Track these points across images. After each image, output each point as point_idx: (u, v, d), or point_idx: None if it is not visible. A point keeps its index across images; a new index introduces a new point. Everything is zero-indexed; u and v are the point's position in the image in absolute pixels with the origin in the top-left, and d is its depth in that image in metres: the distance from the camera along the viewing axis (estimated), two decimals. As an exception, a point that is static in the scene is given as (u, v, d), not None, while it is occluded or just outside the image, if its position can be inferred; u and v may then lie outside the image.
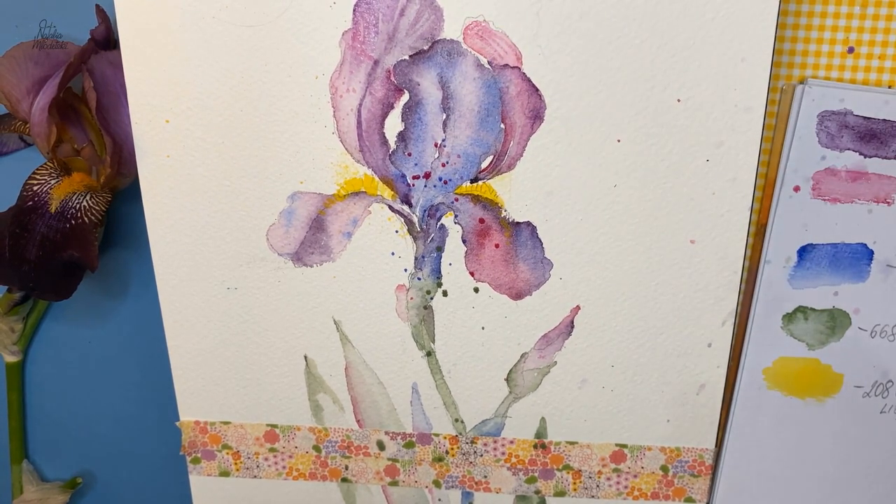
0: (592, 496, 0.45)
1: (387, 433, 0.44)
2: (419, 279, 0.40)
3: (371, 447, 0.45)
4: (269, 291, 0.41)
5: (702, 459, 0.44)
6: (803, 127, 0.38)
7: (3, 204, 0.41)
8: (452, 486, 0.46)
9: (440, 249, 0.40)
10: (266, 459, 0.46)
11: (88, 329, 0.47)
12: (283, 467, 0.46)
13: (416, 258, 0.40)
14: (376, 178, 0.38)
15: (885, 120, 0.38)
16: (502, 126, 0.37)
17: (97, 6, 0.39)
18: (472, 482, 0.45)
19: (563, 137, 0.37)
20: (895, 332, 0.41)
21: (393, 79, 0.36)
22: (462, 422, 0.44)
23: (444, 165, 0.38)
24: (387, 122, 0.37)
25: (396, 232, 0.39)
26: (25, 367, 0.48)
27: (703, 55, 0.36)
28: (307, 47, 0.36)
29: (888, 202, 0.39)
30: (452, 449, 0.44)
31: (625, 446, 0.44)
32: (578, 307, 0.40)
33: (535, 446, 0.44)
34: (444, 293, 0.40)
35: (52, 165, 0.41)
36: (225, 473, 0.46)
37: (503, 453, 0.44)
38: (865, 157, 0.38)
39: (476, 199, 0.38)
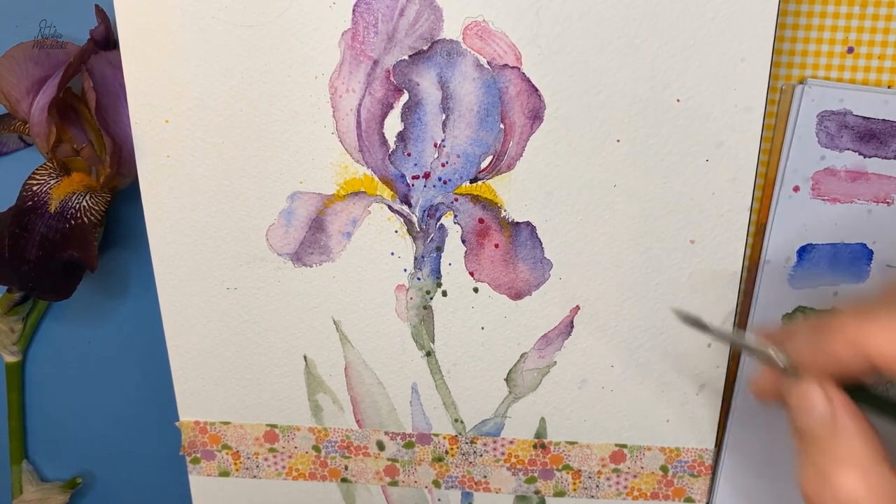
0: (592, 496, 0.45)
1: (386, 433, 0.44)
2: (419, 279, 0.40)
3: (371, 447, 0.45)
4: (269, 291, 0.41)
5: (701, 459, 0.44)
6: (803, 127, 0.38)
7: (3, 204, 0.41)
8: (452, 487, 0.46)
9: (440, 249, 0.40)
10: (266, 459, 0.46)
11: (88, 329, 0.47)
12: (283, 467, 0.46)
13: (415, 258, 0.40)
14: (376, 179, 0.38)
15: (884, 120, 0.38)
16: (502, 126, 0.37)
17: (97, 6, 0.39)
18: (472, 482, 0.45)
19: (562, 137, 0.37)
20: (895, 333, 0.41)
21: (392, 79, 0.36)
22: (462, 422, 0.44)
23: (443, 165, 0.38)
24: (386, 122, 0.37)
25: (396, 232, 0.39)
26: (25, 367, 0.48)
27: (702, 55, 0.36)
28: (307, 47, 0.36)
29: (888, 202, 0.39)
30: (452, 449, 0.44)
31: (624, 446, 0.44)
32: (578, 307, 0.40)
33: (535, 446, 0.44)
34: (444, 293, 0.40)
35: (51, 165, 0.41)
36: (225, 473, 0.46)
37: (503, 453, 0.44)
38: (865, 157, 0.38)
39: (476, 199, 0.38)
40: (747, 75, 0.36)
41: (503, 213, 0.39)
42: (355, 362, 0.43)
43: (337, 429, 0.44)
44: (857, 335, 0.26)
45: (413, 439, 0.44)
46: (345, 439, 0.45)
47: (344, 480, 0.46)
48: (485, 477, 0.45)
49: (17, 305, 0.45)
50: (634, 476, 0.44)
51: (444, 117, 0.37)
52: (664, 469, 0.44)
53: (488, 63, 0.36)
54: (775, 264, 0.40)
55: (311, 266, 0.40)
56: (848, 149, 0.38)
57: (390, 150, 0.38)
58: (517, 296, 0.40)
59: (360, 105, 0.37)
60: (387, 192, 0.39)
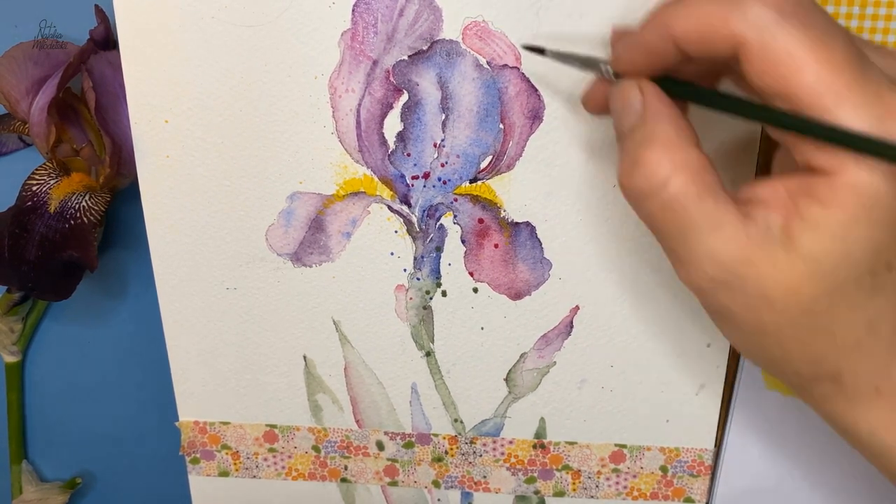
0: (592, 496, 0.45)
1: (386, 433, 0.44)
2: (418, 279, 0.40)
3: (370, 447, 0.45)
4: (269, 291, 0.41)
5: (701, 459, 0.44)
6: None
7: (3, 204, 0.41)
8: (452, 487, 0.46)
9: (439, 249, 0.40)
10: (265, 459, 0.46)
11: (88, 329, 0.47)
12: (283, 467, 0.46)
13: (415, 258, 0.40)
14: (375, 179, 0.38)
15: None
16: (501, 126, 0.37)
17: (96, 6, 0.39)
18: (472, 482, 0.45)
19: (562, 137, 0.37)
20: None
21: (392, 79, 0.36)
22: (461, 422, 0.44)
23: (443, 165, 0.38)
24: (386, 122, 0.37)
25: (396, 232, 0.39)
26: (25, 367, 0.48)
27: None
28: (307, 47, 0.36)
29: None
30: (452, 449, 0.44)
31: (624, 446, 0.44)
32: (578, 307, 0.40)
33: (535, 446, 0.44)
34: (444, 293, 0.40)
35: (51, 165, 0.41)
36: (224, 474, 0.46)
37: (502, 453, 0.44)
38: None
39: (475, 199, 0.38)
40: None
41: (503, 214, 0.39)
42: (355, 362, 0.43)
43: (337, 429, 0.44)
44: (663, 17, 0.27)
45: (413, 439, 0.44)
46: (344, 439, 0.45)
47: (344, 480, 0.46)
48: (484, 477, 0.45)
49: (17, 305, 0.45)
50: (634, 476, 0.44)
51: (443, 117, 0.37)
52: (664, 469, 0.44)
53: (488, 63, 0.36)
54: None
55: (310, 266, 0.40)
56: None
57: (390, 150, 0.38)
58: (517, 296, 0.40)
59: (359, 105, 0.37)
60: (386, 193, 0.39)
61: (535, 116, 0.37)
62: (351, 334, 0.42)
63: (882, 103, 0.24)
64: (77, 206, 0.40)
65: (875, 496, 0.44)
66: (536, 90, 0.36)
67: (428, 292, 0.41)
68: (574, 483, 0.45)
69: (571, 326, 0.41)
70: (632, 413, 0.43)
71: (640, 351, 0.41)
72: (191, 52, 0.37)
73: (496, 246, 0.39)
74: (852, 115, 0.24)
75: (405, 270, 0.40)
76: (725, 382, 0.42)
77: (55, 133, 0.39)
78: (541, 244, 0.39)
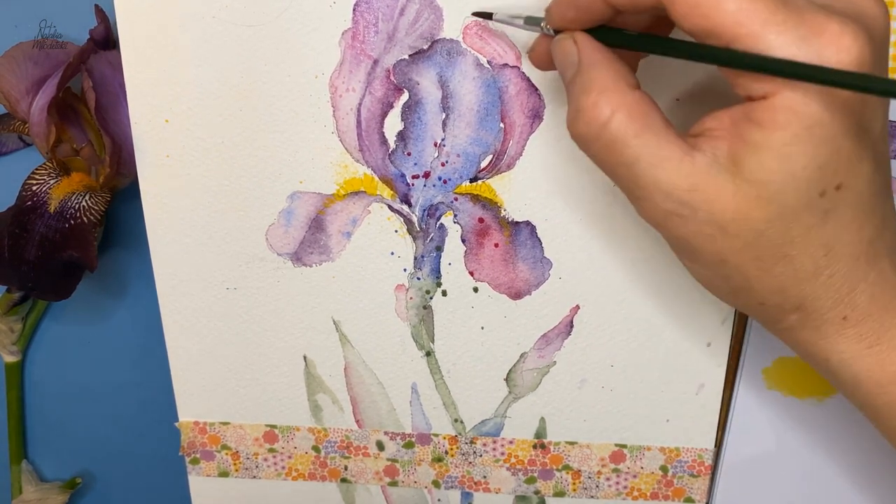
0: (592, 496, 0.45)
1: (386, 433, 0.44)
2: (418, 279, 0.40)
3: (370, 447, 0.45)
4: (269, 291, 0.41)
5: (701, 459, 0.44)
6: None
7: (3, 204, 0.41)
8: (452, 487, 0.46)
9: (439, 249, 0.40)
10: (265, 460, 0.46)
11: (88, 329, 0.47)
12: (283, 468, 0.46)
13: (415, 258, 0.40)
14: (376, 178, 0.38)
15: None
16: (502, 125, 0.37)
17: (96, 6, 0.39)
18: (472, 482, 0.45)
19: (562, 137, 0.37)
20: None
21: (392, 78, 0.36)
22: (461, 422, 0.44)
23: (443, 165, 0.38)
24: (386, 121, 0.37)
25: (396, 232, 0.39)
26: (25, 367, 0.48)
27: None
28: (307, 47, 0.36)
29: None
30: (452, 449, 0.44)
31: (624, 446, 0.44)
32: (578, 307, 0.40)
33: (535, 446, 0.44)
34: (444, 293, 0.40)
35: (51, 165, 0.41)
36: (224, 474, 0.46)
37: (502, 453, 0.44)
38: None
39: (475, 198, 0.38)
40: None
41: (503, 213, 0.39)
42: (355, 362, 0.43)
43: (336, 429, 0.44)
44: None
45: (413, 439, 0.44)
46: (344, 439, 0.45)
47: (344, 481, 0.46)
48: (484, 477, 0.45)
49: (17, 305, 0.45)
50: (634, 476, 0.44)
51: (444, 116, 0.37)
52: (664, 469, 0.44)
53: (488, 62, 0.36)
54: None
55: (310, 266, 0.40)
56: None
57: (390, 150, 0.38)
58: (517, 295, 0.40)
59: (360, 104, 0.37)
60: (387, 192, 0.39)
61: (536, 116, 0.37)
62: (351, 334, 0.42)
63: (804, 23, 0.24)
64: (77, 205, 0.40)
65: (874, 495, 0.44)
66: (537, 89, 0.36)
67: (428, 292, 0.41)
68: (574, 483, 0.45)
69: (571, 326, 0.41)
70: (632, 413, 0.43)
71: (640, 351, 0.41)
72: (191, 51, 0.37)
73: (496, 245, 0.39)
74: (777, 39, 0.24)
75: (405, 270, 0.40)
76: (725, 382, 0.42)
77: (55, 133, 0.39)
78: (541, 243, 0.39)
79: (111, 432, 0.49)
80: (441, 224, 0.39)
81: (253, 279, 0.41)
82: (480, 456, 0.44)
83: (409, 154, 0.38)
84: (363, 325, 0.42)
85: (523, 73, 0.36)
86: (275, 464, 0.46)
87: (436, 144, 0.37)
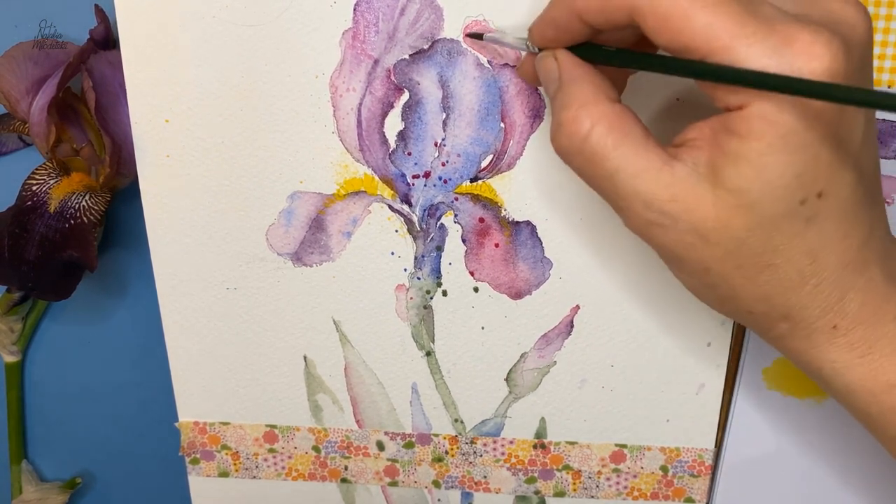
0: (592, 496, 0.45)
1: (386, 433, 0.44)
2: (419, 279, 0.40)
3: (371, 447, 0.45)
4: (269, 291, 0.41)
5: (701, 459, 0.44)
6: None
7: (3, 204, 0.41)
8: (452, 487, 0.46)
9: (440, 249, 0.40)
10: (265, 460, 0.46)
11: (88, 329, 0.47)
12: (283, 468, 0.46)
13: (415, 258, 0.40)
14: (376, 178, 0.38)
15: (884, 120, 0.38)
16: (502, 125, 0.37)
17: (96, 6, 0.39)
18: (472, 482, 0.45)
19: (562, 137, 0.37)
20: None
21: (393, 78, 0.36)
22: (462, 422, 0.44)
23: (443, 165, 0.38)
24: (387, 121, 0.37)
25: (396, 231, 0.39)
26: (25, 366, 0.48)
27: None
28: (307, 47, 0.36)
29: (888, 202, 0.39)
30: (452, 449, 0.44)
31: (624, 446, 0.44)
32: (578, 307, 0.40)
33: (535, 446, 0.44)
34: (444, 293, 0.40)
35: (51, 165, 0.41)
36: (224, 474, 0.46)
37: (503, 453, 0.44)
38: (865, 157, 0.38)
39: (476, 198, 0.38)
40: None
41: (503, 213, 0.39)
42: (355, 362, 0.43)
43: (337, 429, 0.44)
44: None
45: (413, 439, 0.44)
46: (344, 439, 0.45)
47: (344, 481, 0.46)
48: (485, 477, 0.45)
49: (17, 305, 0.45)
50: (634, 476, 0.44)
51: (444, 116, 0.37)
52: (664, 469, 0.44)
53: (489, 62, 0.36)
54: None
55: (311, 266, 0.40)
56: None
57: (391, 150, 0.38)
58: (517, 295, 0.40)
59: (360, 104, 0.37)
60: (387, 192, 0.39)
61: (536, 115, 0.37)
62: (351, 334, 0.42)
63: (775, 34, 0.24)
64: (77, 205, 0.40)
65: (874, 495, 0.44)
66: (537, 89, 0.36)
67: (428, 292, 0.41)
68: (574, 483, 0.45)
69: (572, 326, 0.41)
70: (632, 413, 0.43)
71: (640, 351, 0.41)
72: (191, 51, 0.37)
73: (497, 245, 0.39)
74: (749, 51, 0.24)
75: (406, 270, 0.40)
76: (725, 382, 0.42)
77: (55, 133, 0.39)
78: (541, 243, 0.39)
79: (111, 432, 0.49)
80: (441, 224, 0.39)
81: (253, 279, 0.41)
82: (481, 456, 0.44)
83: (409, 154, 0.38)
84: (363, 325, 0.42)
85: (524, 72, 0.36)
86: (275, 464, 0.46)
87: (436, 144, 0.37)
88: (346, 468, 0.45)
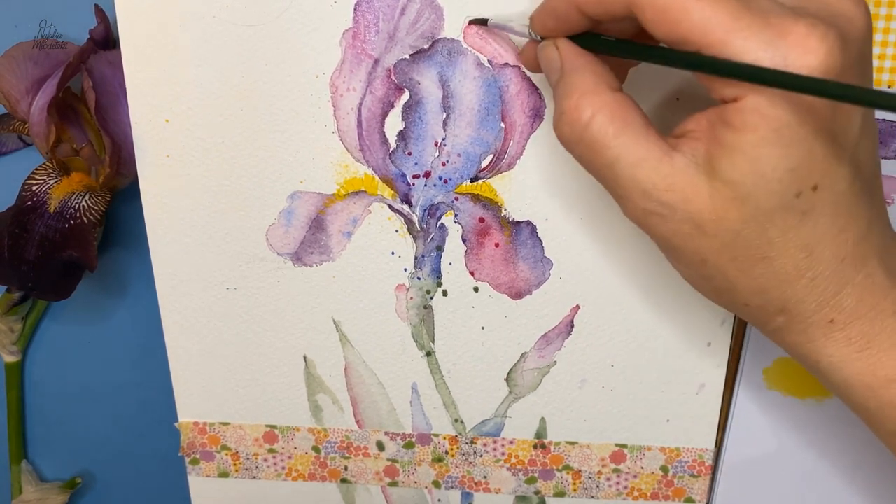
0: (592, 496, 0.45)
1: (386, 434, 0.44)
2: (419, 279, 0.40)
3: (371, 448, 0.45)
4: (269, 291, 0.41)
5: (701, 460, 0.44)
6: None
7: (3, 204, 0.41)
8: (452, 487, 0.46)
9: (440, 249, 0.40)
10: (265, 460, 0.45)
11: (88, 329, 0.47)
12: (283, 468, 0.46)
13: (415, 258, 0.40)
14: (376, 178, 0.38)
15: (884, 120, 0.38)
16: (502, 125, 0.37)
17: (96, 6, 0.39)
18: (472, 483, 0.45)
19: (563, 137, 0.37)
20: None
21: (393, 78, 0.36)
22: (462, 422, 0.44)
23: (444, 164, 0.38)
24: (387, 121, 0.37)
25: (396, 231, 0.39)
26: (25, 366, 0.48)
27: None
28: (307, 47, 0.36)
29: (888, 202, 0.39)
30: (452, 449, 0.44)
31: (624, 446, 0.44)
32: (578, 306, 0.40)
33: (535, 446, 0.44)
34: (444, 293, 0.40)
35: (51, 165, 0.41)
36: (224, 474, 0.46)
37: (503, 454, 0.44)
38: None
39: (476, 198, 0.38)
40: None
41: (503, 213, 0.39)
42: (355, 362, 0.43)
43: (337, 429, 0.44)
44: None
45: (413, 439, 0.44)
46: (344, 440, 0.45)
47: (344, 481, 0.46)
48: (485, 477, 0.45)
49: (17, 305, 0.45)
50: (634, 476, 0.44)
51: (444, 116, 0.37)
52: (664, 469, 0.44)
53: (489, 62, 0.36)
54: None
55: (311, 266, 0.40)
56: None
57: (391, 149, 0.38)
58: (517, 295, 0.40)
59: (360, 104, 0.37)
60: (387, 192, 0.39)
61: (537, 115, 0.37)
62: (351, 334, 0.42)
63: (769, 27, 0.25)
64: (77, 205, 0.40)
65: (874, 495, 0.44)
66: (537, 89, 0.36)
67: (428, 292, 0.41)
68: (574, 483, 0.45)
69: (572, 326, 0.41)
70: (632, 413, 0.43)
71: (641, 351, 0.41)
72: (191, 51, 0.37)
73: (497, 245, 0.39)
74: (744, 44, 0.24)
75: (406, 270, 0.40)
76: (725, 382, 0.42)
77: (55, 133, 0.39)
78: (541, 243, 0.39)
79: (111, 432, 0.49)
80: (441, 224, 0.39)
81: (253, 279, 0.41)
82: (481, 456, 0.44)
83: (409, 154, 0.38)
84: (363, 325, 0.42)
85: (524, 72, 0.36)
86: (275, 464, 0.46)
87: (436, 144, 0.37)
88: (346, 468, 0.45)
